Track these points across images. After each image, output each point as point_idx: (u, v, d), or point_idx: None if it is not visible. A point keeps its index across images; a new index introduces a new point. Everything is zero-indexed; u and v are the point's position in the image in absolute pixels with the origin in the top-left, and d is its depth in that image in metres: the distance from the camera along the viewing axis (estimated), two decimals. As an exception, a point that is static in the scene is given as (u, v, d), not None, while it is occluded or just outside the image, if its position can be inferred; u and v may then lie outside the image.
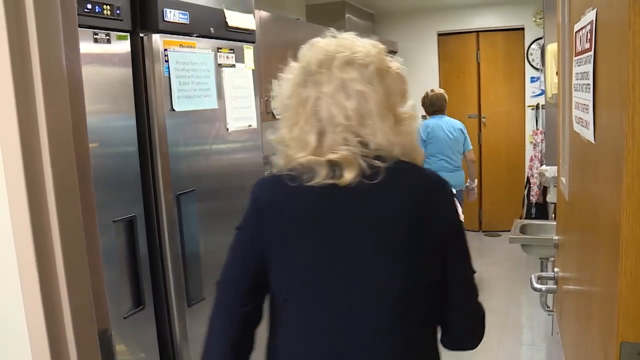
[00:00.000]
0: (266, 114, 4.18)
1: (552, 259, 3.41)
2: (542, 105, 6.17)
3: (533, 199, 5.70)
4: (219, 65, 2.52)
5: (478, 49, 6.49)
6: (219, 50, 2.53)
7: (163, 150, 2.24)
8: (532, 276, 1.73)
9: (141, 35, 2.18)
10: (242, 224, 1.26)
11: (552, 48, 2.71)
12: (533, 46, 6.21)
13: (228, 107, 2.58)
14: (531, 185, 5.80)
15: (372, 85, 1.18)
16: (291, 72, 1.25)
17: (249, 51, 2.73)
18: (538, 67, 6.21)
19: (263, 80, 4.18)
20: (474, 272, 1.24)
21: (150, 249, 2.26)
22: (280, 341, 1.23)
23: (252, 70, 2.77)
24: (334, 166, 1.15)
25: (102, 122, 2.02)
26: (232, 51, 2.61)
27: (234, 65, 2.62)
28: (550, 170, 3.77)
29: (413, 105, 1.27)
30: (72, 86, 1.00)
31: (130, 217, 2.15)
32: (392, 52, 6.94)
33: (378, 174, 1.14)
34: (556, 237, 1.75)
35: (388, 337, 1.16)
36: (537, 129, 6.13)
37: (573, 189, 1.41)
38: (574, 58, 1.30)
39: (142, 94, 2.20)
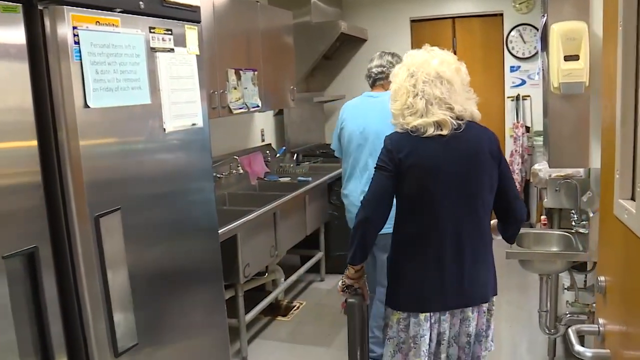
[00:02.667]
0: (221, 109, 3.64)
1: (545, 276, 2.97)
2: (524, 96, 5.78)
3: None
4: (152, 50, 2.00)
5: (454, 36, 6.05)
6: (152, 30, 2.00)
7: (74, 161, 1.71)
8: (570, 331, 1.27)
9: (40, 7, 1.64)
10: (382, 165, 2.00)
11: (559, 28, 2.26)
12: (513, 33, 5.80)
13: (165, 101, 2.05)
14: (513, 182, 5.40)
15: (455, 76, 1.99)
16: (400, 69, 2.08)
17: (192, 32, 2.20)
18: (518, 55, 5.81)
19: (217, 69, 3.64)
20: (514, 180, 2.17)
21: (61, 288, 1.74)
22: (411, 230, 2.04)
23: (197, 55, 2.24)
24: (437, 124, 1.95)
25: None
26: (169, 32, 2.08)
27: (172, 50, 2.09)
28: (544, 170, 3.33)
29: (471, 88, 2.07)
30: None
31: (30, 249, 1.62)
32: (362, 40, 6.49)
33: (461, 127, 1.96)
34: (602, 278, 1.28)
35: (474, 219, 2.02)
36: (518, 122, 5.75)
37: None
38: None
39: (44, 86, 1.67)
